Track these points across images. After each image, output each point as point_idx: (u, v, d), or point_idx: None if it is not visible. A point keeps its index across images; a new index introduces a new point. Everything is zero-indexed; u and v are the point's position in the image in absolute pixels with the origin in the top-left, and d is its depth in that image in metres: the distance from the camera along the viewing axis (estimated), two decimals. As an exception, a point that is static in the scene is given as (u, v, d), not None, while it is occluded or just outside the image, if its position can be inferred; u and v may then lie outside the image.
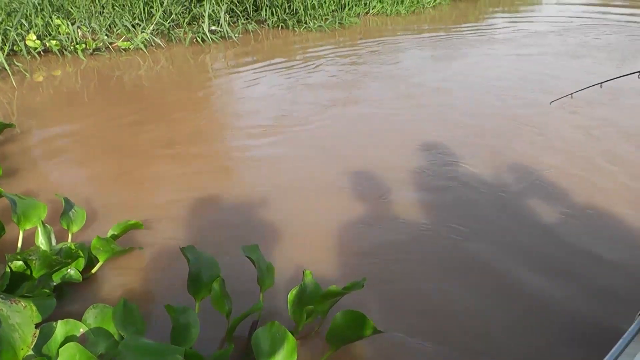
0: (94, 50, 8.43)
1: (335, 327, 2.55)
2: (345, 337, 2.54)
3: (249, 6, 10.24)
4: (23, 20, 8.34)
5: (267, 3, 10.25)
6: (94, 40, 8.51)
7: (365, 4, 11.29)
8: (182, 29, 9.38)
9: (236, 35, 9.27)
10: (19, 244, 3.36)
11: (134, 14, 9.34)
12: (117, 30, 8.93)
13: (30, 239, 3.40)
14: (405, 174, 4.50)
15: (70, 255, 3.08)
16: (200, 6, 9.76)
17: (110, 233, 3.47)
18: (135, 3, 9.43)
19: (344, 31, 9.95)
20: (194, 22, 9.68)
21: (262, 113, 6.01)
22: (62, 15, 8.74)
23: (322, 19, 10.14)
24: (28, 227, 3.41)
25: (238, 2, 10.22)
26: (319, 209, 4.02)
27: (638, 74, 2.55)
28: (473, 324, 2.87)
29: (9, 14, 8.44)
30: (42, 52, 8.23)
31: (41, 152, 5.06)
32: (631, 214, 3.86)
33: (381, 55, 8.48)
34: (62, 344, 2.33)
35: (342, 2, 10.86)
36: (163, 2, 9.50)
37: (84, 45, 8.33)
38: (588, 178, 4.40)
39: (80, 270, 3.12)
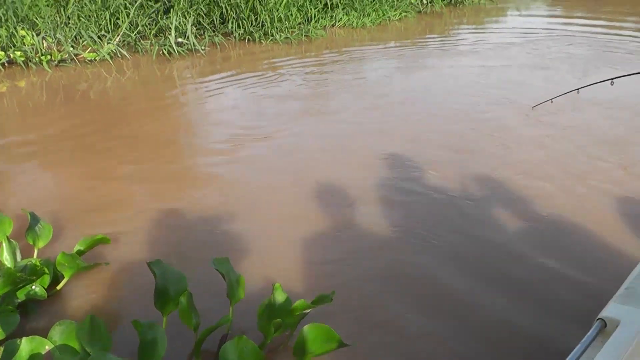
0: (59, 62, 8.37)
1: (302, 341, 2.58)
2: (312, 350, 2.57)
3: (216, 19, 10.25)
4: (-14, 32, 8.27)
5: (234, 15, 10.27)
6: (59, 51, 8.45)
7: (331, 17, 11.37)
8: (149, 41, 9.35)
9: (203, 47, 9.26)
10: (-17, 260, 3.34)
11: (100, 25, 9.29)
12: (83, 42, 8.87)
13: (-6, 254, 3.38)
14: (372, 185, 4.56)
15: (35, 271, 3.06)
16: (167, 18, 9.74)
17: (76, 248, 3.46)
18: (101, 14, 9.38)
19: (311, 44, 10.02)
20: (160, 34, 9.65)
21: (229, 125, 6.03)
22: (27, 26, 8.66)
23: (288, 32, 10.19)
24: (-7, 242, 3.40)
25: (205, 15, 10.21)
26: (288, 221, 4.06)
27: (610, 81, 2.66)
28: (432, 339, 2.92)
29: (-29, 25, 8.36)
30: (6, 64, 8.13)
31: (5, 165, 5.02)
32: (591, 225, 3.96)
33: (347, 67, 8.56)
34: (28, 361, 2.33)
35: (309, 15, 10.92)
36: (129, 14, 9.46)
37: (49, 57, 8.27)
38: (549, 188, 4.51)
39: (46, 286, 3.10)
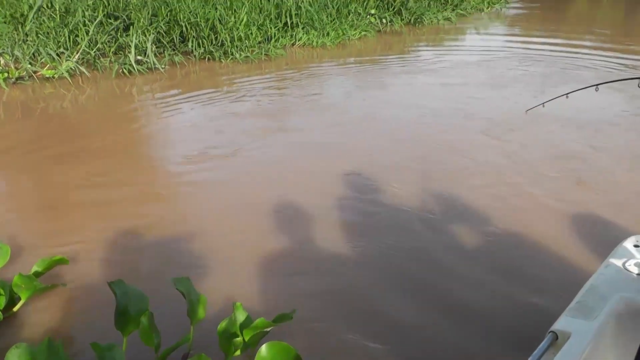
0: (17, 79, 8.29)
1: (262, 359, 2.61)
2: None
3: (176, 37, 10.25)
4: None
5: (194, 34, 10.28)
6: (17, 68, 8.37)
7: (291, 36, 11.44)
8: (109, 58, 9.31)
9: (163, 66, 9.25)
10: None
11: (58, 42, 9.22)
12: (41, 59, 8.80)
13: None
14: (334, 202, 4.63)
15: (-9, 293, 3.05)
16: (126, 36, 9.71)
17: (33, 270, 3.44)
18: (60, 31, 9.32)
19: (271, 62, 10.08)
20: (120, 52, 9.61)
21: (188, 143, 6.06)
22: (-17, 44, 8.58)
23: (248, 51, 10.23)
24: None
25: (165, 33, 10.21)
26: (249, 239, 4.10)
27: (596, 87, 2.76)
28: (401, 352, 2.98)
29: None
30: (-39, 82, 8.05)
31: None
32: (545, 240, 4.07)
33: (307, 85, 8.65)
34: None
35: (269, 34, 10.98)
36: (89, 31, 9.42)
37: (6, 74, 8.19)
38: (505, 204, 4.64)
39: (1, 308, 3.08)
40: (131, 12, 10.29)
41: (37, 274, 3.41)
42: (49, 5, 9.97)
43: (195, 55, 10.07)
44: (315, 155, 5.69)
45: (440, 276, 3.65)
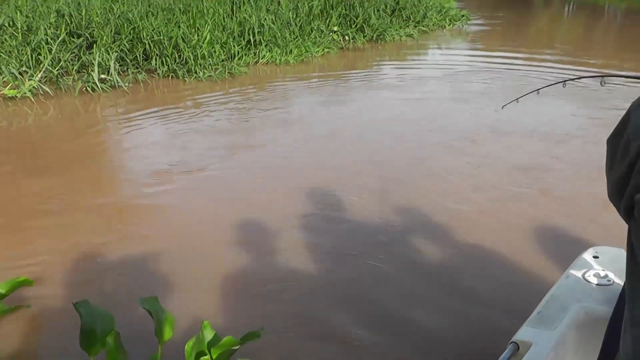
0: (-23, 99, 8.26)
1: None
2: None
3: (139, 55, 10.27)
4: None
5: (157, 52, 10.32)
6: (-23, 88, 8.35)
7: (254, 54, 11.53)
8: (72, 77, 9.29)
9: (126, 84, 9.27)
10: None
11: (21, 60, 9.19)
12: (3, 78, 8.77)
13: None
14: (301, 218, 4.72)
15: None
16: (89, 54, 9.71)
17: (-3, 292, 3.47)
18: (22, 49, 9.29)
19: (234, 80, 10.15)
20: (83, 70, 9.60)
21: (153, 161, 6.11)
22: (-57, 62, 8.53)
23: (212, 69, 10.30)
24: None
25: (128, 51, 10.23)
26: (217, 256, 4.14)
27: (563, 83, 2.87)
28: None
29: None
30: None
31: None
32: (508, 251, 4.19)
33: (271, 102, 8.76)
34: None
35: (232, 52, 11.07)
36: (51, 49, 9.41)
37: (-33, 94, 8.16)
38: (469, 215, 4.79)
39: (-33, 331, 3.11)
40: (94, 30, 10.30)
41: (1, 296, 3.44)
42: (11, 23, 9.94)
43: (158, 74, 10.09)
44: (280, 172, 5.79)
45: (400, 291, 3.75)
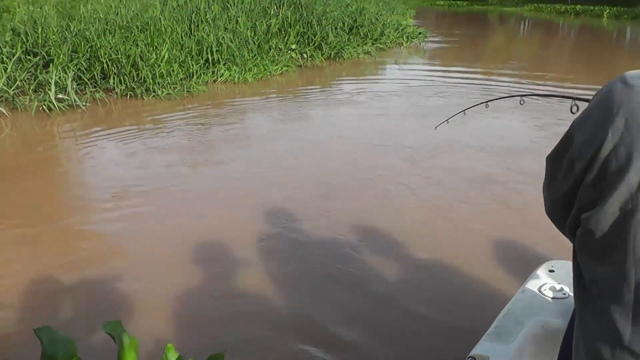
0: None
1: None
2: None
3: (97, 74, 10.25)
4: None
5: (115, 71, 10.32)
6: None
7: (213, 72, 11.59)
8: (28, 96, 9.23)
9: (84, 103, 9.23)
10: None
11: (-25, 80, 9.12)
12: (-44, 98, 8.69)
13: None
14: (261, 237, 4.69)
15: None
16: (46, 73, 9.67)
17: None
18: (-24, 69, 9.23)
19: (193, 99, 10.19)
20: (40, 90, 9.55)
21: (111, 181, 6.08)
22: None
23: (170, 87, 10.32)
24: None
25: (85, 70, 10.20)
26: (178, 278, 4.08)
27: (520, 98, 2.92)
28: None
29: None
30: None
31: None
32: (466, 266, 4.22)
33: (230, 120, 8.84)
34: None
35: (190, 71, 11.11)
36: (7, 68, 9.35)
37: None
38: (427, 230, 4.84)
39: None
40: (51, 49, 10.27)
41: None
42: (-36, 42, 9.87)
43: (117, 92, 10.08)
44: (240, 190, 5.81)
45: (365, 303, 3.76)
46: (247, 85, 11.60)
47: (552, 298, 2.38)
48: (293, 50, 14.05)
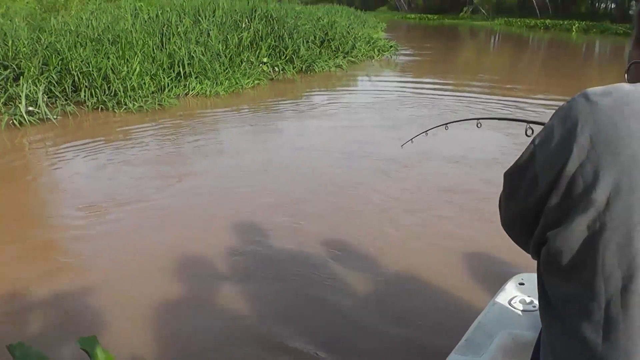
0: None
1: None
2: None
3: (68, 87, 10.22)
4: None
5: (86, 84, 10.30)
6: None
7: (184, 86, 11.62)
8: (-2, 110, 9.19)
9: (55, 116, 9.21)
10: None
11: (-57, 93, 9.05)
12: None
13: None
14: (233, 247, 4.72)
15: None
16: (16, 86, 9.62)
17: None
18: (-55, 82, 9.16)
19: (164, 112, 10.22)
20: (10, 103, 9.49)
21: (83, 195, 6.06)
22: None
23: (142, 100, 10.34)
24: None
25: (56, 83, 10.18)
26: (154, 293, 4.05)
27: (477, 121, 2.94)
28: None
29: None
30: None
31: None
32: (436, 279, 4.25)
33: (202, 133, 8.90)
34: None
35: (162, 84, 11.13)
36: (-24, 81, 9.31)
37: None
38: (404, 238, 4.93)
39: None
40: (21, 61, 10.21)
41: None
42: None
43: (88, 105, 10.06)
44: (212, 202, 5.85)
45: (332, 319, 3.78)
46: (219, 98, 11.66)
47: (522, 311, 2.41)
48: (265, 63, 14.15)
